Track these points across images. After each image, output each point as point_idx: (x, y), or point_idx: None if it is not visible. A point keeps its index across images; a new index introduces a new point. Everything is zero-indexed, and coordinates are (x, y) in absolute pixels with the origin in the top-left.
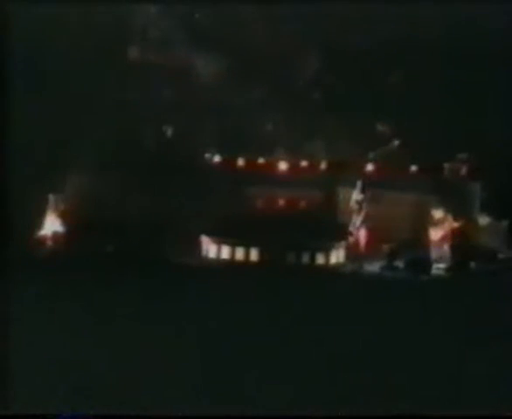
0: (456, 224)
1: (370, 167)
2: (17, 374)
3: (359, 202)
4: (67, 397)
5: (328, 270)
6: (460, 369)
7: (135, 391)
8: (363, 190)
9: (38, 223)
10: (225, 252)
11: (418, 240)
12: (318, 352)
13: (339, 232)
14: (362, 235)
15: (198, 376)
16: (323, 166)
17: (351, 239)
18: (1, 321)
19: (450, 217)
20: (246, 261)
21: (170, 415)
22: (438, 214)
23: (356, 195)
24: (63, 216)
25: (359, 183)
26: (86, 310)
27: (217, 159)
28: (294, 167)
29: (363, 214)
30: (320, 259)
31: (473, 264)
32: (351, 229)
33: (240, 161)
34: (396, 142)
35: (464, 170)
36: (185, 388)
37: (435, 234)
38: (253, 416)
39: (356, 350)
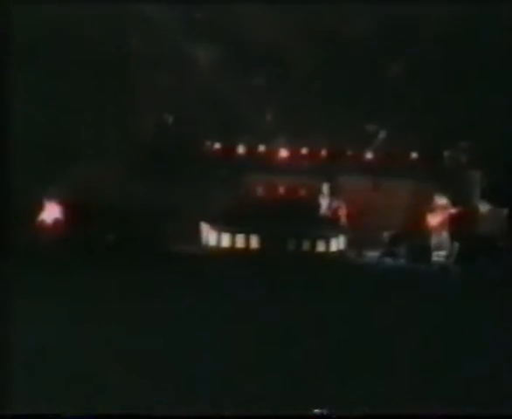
0: (456, 212)
1: (369, 155)
2: (17, 373)
3: (333, 208)
4: (67, 397)
5: (328, 257)
6: (460, 363)
7: (136, 390)
8: (331, 194)
9: (39, 211)
10: (225, 240)
11: (418, 228)
12: (319, 342)
13: (337, 219)
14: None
15: (199, 368)
16: (324, 154)
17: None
18: (1, 317)
19: (450, 205)
20: (247, 249)
21: (171, 415)
22: (438, 201)
23: (331, 202)
24: (63, 205)
25: (326, 187)
26: (86, 302)
27: (217, 146)
28: (294, 154)
29: (343, 215)
30: (320, 247)
31: (473, 252)
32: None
33: (240, 149)
34: (384, 133)
35: (464, 158)
36: (186, 384)
37: (435, 221)
38: (253, 416)
39: (356, 340)
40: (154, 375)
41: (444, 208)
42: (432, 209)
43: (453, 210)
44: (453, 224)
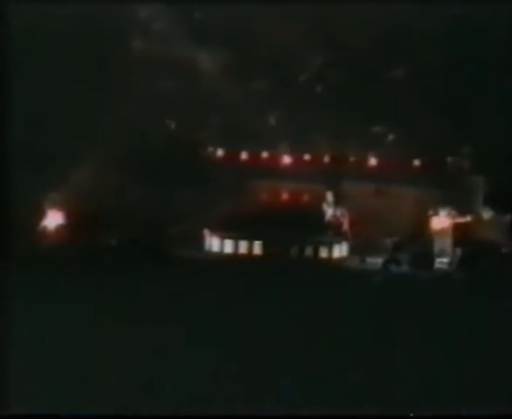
0: (459, 218)
1: (372, 161)
2: (17, 374)
3: (336, 215)
4: (67, 397)
5: (331, 264)
6: (461, 365)
7: (136, 390)
8: (334, 200)
9: (41, 216)
10: (228, 246)
11: (422, 234)
12: (320, 345)
13: (341, 226)
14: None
15: (200, 370)
16: (327, 160)
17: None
18: (1, 318)
19: (453, 211)
20: (249, 255)
21: (171, 415)
22: (441, 208)
23: (335, 211)
24: (66, 210)
25: (329, 196)
26: (87, 306)
27: (220, 152)
28: (297, 160)
29: (346, 222)
30: (323, 253)
31: (476, 258)
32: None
33: (244, 155)
34: (387, 139)
35: (467, 164)
36: (187, 386)
37: (438, 228)
38: (254, 416)
39: (357, 342)
40: (154, 376)
41: (447, 216)
42: (435, 217)
43: (457, 219)
44: (457, 232)
